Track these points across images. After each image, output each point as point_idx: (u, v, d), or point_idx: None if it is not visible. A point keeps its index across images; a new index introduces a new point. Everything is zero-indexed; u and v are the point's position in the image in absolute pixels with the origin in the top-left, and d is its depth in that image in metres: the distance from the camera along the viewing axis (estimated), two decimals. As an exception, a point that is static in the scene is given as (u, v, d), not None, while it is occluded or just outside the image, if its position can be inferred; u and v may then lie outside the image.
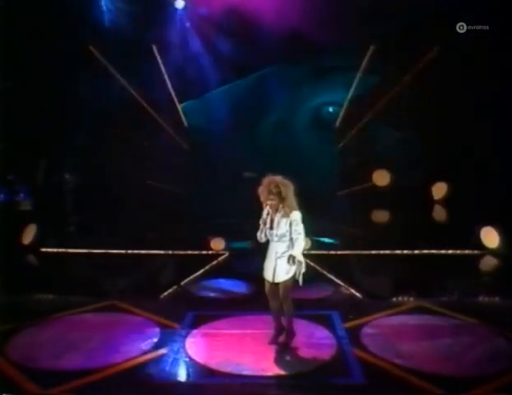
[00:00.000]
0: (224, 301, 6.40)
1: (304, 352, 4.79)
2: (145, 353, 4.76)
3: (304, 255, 8.45)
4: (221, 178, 10.21)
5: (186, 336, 5.13)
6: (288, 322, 4.89)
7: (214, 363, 4.53)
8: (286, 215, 4.67)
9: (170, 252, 8.53)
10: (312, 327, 5.42)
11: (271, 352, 4.78)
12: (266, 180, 4.75)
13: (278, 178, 4.72)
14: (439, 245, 8.29)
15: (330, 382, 4.27)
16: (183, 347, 4.88)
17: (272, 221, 4.68)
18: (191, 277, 7.23)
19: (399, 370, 4.41)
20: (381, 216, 11.02)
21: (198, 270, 7.61)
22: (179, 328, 5.36)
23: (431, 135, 9.41)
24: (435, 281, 6.90)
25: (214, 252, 8.57)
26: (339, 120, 10.75)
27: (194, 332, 5.28)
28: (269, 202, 4.66)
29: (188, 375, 4.39)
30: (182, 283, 6.96)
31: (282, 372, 4.41)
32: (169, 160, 10.35)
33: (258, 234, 4.76)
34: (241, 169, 10.85)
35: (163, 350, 4.82)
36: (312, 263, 7.96)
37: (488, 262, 8.05)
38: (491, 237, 8.34)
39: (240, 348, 4.86)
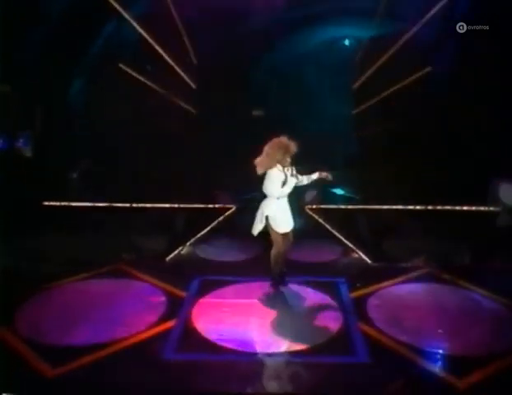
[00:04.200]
0: (230, 264, 6.52)
1: (310, 326, 4.96)
2: (152, 326, 4.94)
3: (313, 210, 8.38)
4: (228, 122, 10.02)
5: (192, 307, 5.32)
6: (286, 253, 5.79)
7: (220, 338, 4.71)
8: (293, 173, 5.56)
9: (176, 205, 8.60)
10: (318, 296, 5.58)
11: (275, 326, 4.95)
12: (285, 141, 5.40)
13: (293, 142, 5.43)
14: (455, 201, 8.21)
15: (333, 361, 4.43)
16: (190, 320, 5.07)
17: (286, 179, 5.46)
18: (197, 236, 7.35)
19: (403, 349, 4.55)
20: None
21: (205, 225, 7.71)
22: (186, 297, 5.55)
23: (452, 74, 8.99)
24: (447, 242, 6.92)
25: (221, 205, 8.60)
26: (356, 59, 10.33)
27: (200, 301, 5.46)
28: (287, 165, 5.44)
29: (195, 351, 4.58)
30: (188, 243, 7.08)
31: (286, 348, 4.56)
32: (177, 103, 10.16)
33: (280, 192, 5.41)
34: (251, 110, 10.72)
35: (170, 323, 5.01)
36: (321, 220, 8.05)
37: (505, 221, 7.98)
38: (510, 194, 8.18)
39: (245, 321, 5.03)
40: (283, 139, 5.44)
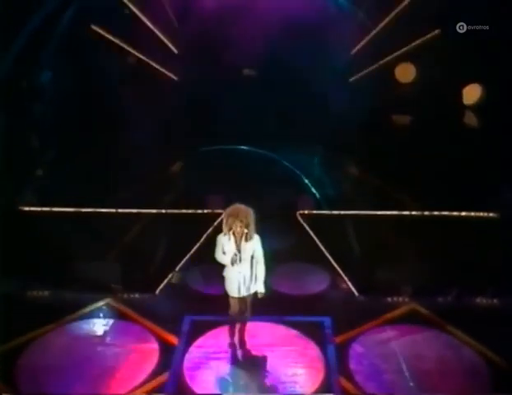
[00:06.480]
0: (222, 298, 6.85)
1: (294, 380, 5.53)
2: (146, 380, 5.50)
3: (302, 216, 8.47)
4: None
5: (183, 357, 5.86)
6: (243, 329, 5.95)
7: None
8: (250, 238, 5.52)
9: (164, 211, 8.85)
10: (303, 341, 6.13)
11: (263, 378, 5.54)
12: (233, 210, 5.49)
13: (244, 208, 5.49)
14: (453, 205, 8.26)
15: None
16: (181, 373, 5.62)
17: (238, 246, 5.52)
18: (186, 257, 7.70)
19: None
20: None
21: (194, 238, 8.03)
22: (177, 344, 6.07)
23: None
24: (438, 269, 7.14)
25: (209, 211, 8.83)
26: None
27: (191, 350, 5.98)
28: (239, 230, 5.46)
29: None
30: (177, 269, 7.49)
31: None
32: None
33: (230, 261, 5.50)
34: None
35: (163, 377, 5.57)
36: (312, 232, 8.34)
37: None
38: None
39: (231, 375, 5.60)
40: (233, 207, 5.49)
